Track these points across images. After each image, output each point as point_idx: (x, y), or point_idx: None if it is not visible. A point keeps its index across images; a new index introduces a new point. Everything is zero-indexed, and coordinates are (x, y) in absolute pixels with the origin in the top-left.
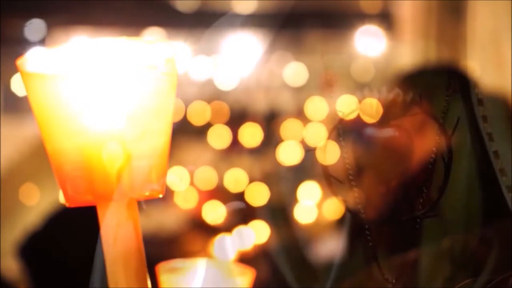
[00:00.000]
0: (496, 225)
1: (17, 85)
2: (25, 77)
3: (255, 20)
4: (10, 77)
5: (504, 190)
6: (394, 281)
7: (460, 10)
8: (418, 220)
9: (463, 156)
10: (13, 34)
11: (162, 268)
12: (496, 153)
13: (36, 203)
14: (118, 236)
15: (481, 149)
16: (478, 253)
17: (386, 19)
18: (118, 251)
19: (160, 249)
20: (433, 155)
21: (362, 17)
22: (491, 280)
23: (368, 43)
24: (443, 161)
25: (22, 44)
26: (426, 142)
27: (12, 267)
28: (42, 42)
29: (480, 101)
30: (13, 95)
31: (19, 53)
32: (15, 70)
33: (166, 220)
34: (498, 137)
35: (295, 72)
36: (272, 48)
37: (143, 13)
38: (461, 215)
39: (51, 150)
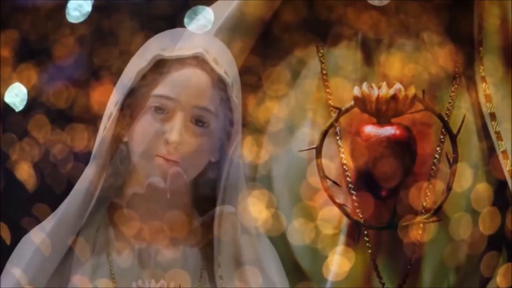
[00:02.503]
0: (505, 229)
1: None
2: None
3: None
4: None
5: None
6: None
7: (465, 2)
8: (421, 225)
9: (469, 157)
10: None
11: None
12: (504, 153)
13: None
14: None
15: (489, 149)
16: (485, 259)
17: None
18: None
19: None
20: (437, 155)
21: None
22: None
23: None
24: (448, 161)
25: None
26: (430, 142)
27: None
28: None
29: (488, 97)
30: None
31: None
32: None
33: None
34: (507, 136)
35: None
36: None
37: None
38: (467, 219)
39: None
